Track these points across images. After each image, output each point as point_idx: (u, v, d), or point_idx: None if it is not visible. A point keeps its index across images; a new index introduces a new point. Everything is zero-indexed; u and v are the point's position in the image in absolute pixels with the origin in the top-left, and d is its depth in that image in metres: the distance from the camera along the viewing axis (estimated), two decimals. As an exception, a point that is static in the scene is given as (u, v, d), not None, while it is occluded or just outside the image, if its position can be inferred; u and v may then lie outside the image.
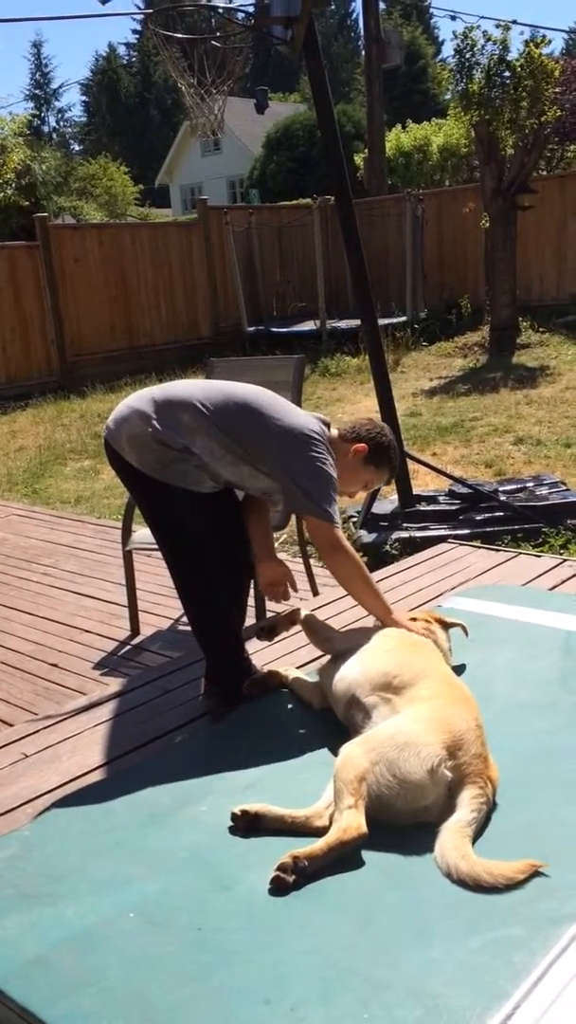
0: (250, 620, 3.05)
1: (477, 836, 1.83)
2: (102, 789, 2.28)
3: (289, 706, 2.55)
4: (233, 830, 1.93)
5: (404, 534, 4.55)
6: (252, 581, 2.93)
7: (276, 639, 2.85)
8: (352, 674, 2.32)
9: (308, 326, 12.48)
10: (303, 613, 2.69)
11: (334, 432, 2.65)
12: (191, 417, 2.49)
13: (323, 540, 2.51)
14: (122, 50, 56.98)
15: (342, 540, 2.50)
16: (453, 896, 1.69)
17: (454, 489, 4.95)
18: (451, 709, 2.04)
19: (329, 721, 2.36)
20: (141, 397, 2.59)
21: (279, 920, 1.68)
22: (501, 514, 4.64)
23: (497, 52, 9.66)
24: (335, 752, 1.95)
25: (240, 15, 5.63)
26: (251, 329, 12.55)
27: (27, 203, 16.80)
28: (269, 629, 2.70)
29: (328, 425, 2.65)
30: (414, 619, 2.60)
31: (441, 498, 4.94)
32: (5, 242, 12.67)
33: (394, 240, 12.81)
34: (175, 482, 2.51)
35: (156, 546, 3.57)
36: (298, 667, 2.76)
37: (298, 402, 3.59)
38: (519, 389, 8.64)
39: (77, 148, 48.65)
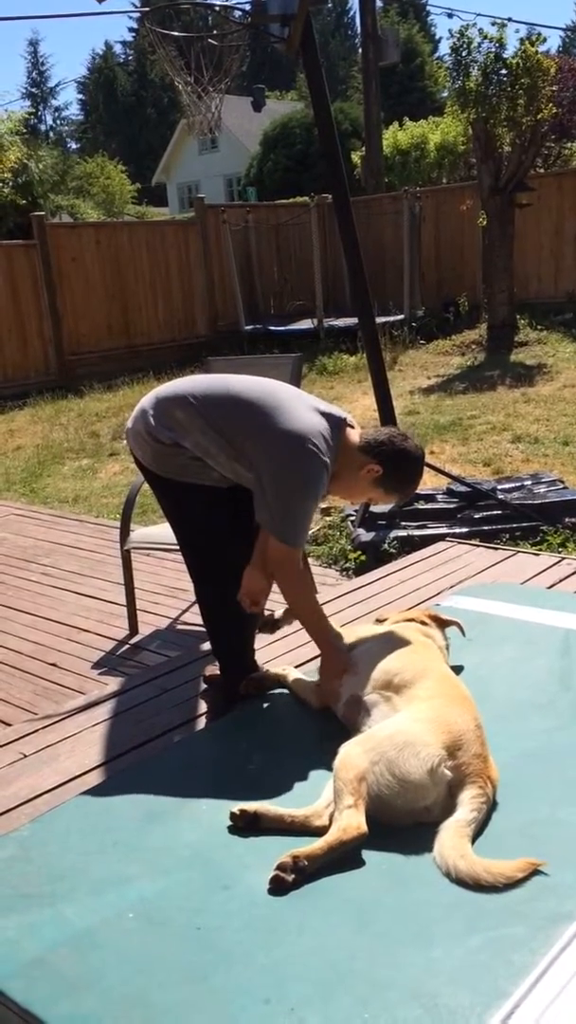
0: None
1: (477, 835, 1.83)
2: (101, 789, 2.28)
3: (288, 705, 2.55)
4: (232, 829, 1.93)
5: (402, 532, 4.55)
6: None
7: (277, 635, 2.85)
8: (357, 673, 2.32)
9: (306, 324, 12.47)
10: None
11: (354, 435, 2.45)
12: (184, 414, 2.46)
13: (277, 560, 2.39)
14: (119, 48, 56.99)
15: (295, 565, 2.40)
16: (452, 895, 1.69)
17: (452, 487, 4.95)
18: (450, 708, 2.04)
19: (328, 720, 2.36)
20: (150, 394, 2.60)
21: (279, 920, 1.68)
22: (499, 512, 4.64)
23: (493, 50, 9.66)
24: (334, 751, 1.95)
25: (237, 13, 5.62)
26: (249, 327, 12.54)
27: (24, 202, 16.76)
28: (272, 624, 2.69)
29: (345, 422, 2.46)
30: (411, 619, 2.59)
31: (439, 496, 4.94)
32: (2, 241, 12.65)
33: (391, 238, 12.80)
34: (177, 477, 2.51)
35: (154, 545, 3.62)
36: (297, 666, 2.76)
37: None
38: (517, 387, 8.64)
39: (74, 146, 48.69)
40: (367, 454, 2.41)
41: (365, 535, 4.60)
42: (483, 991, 1.46)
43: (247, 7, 5.09)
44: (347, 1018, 1.44)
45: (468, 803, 1.85)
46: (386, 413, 4.66)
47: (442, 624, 2.62)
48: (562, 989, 1.46)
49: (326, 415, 2.44)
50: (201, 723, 2.71)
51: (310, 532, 4.84)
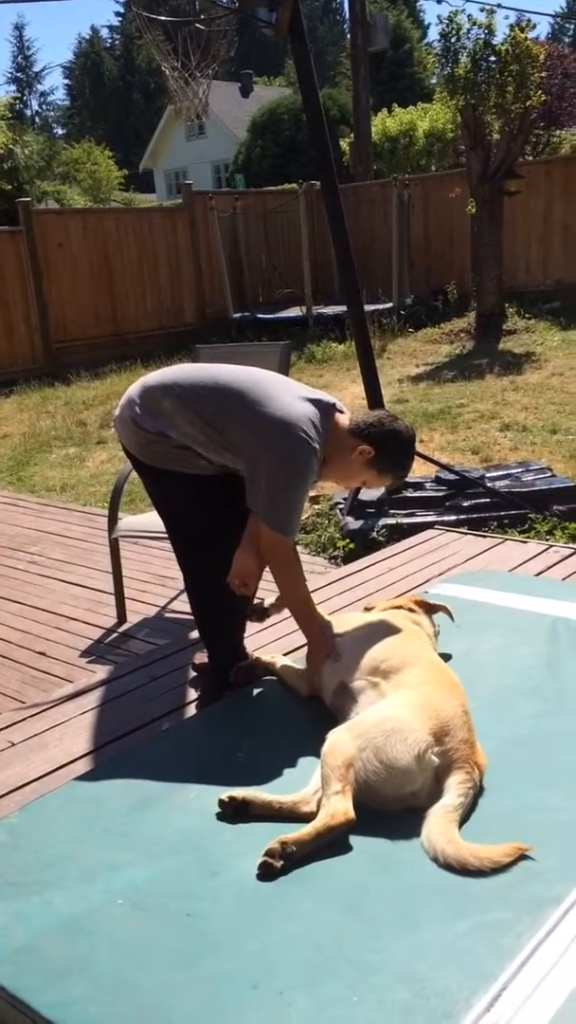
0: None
1: (464, 821, 1.84)
2: (90, 776, 2.28)
3: (276, 693, 2.56)
4: (221, 816, 1.94)
5: (391, 520, 4.55)
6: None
7: (266, 623, 2.85)
8: (340, 660, 2.33)
9: (294, 312, 12.44)
10: None
11: (344, 419, 2.46)
12: (170, 403, 2.46)
13: (268, 548, 2.41)
14: (105, 33, 56.62)
15: (287, 552, 2.42)
16: (440, 880, 1.70)
17: (441, 475, 4.95)
18: (438, 695, 2.05)
19: (316, 708, 2.37)
20: (137, 383, 2.59)
21: (267, 905, 1.68)
22: (488, 500, 4.65)
23: (482, 36, 9.62)
24: (322, 738, 1.95)
25: (224, -3, 5.57)
26: (237, 315, 12.49)
27: (9, 187, 16.64)
28: (261, 612, 2.69)
29: (334, 408, 2.47)
30: (399, 607, 2.60)
31: (428, 484, 4.94)
32: (-12, 227, 12.55)
33: (380, 226, 12.76)
34: (162, 464, 2.51)
35: (142, 534, 3.61)
36: (286, 654, 2.76)
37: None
38: (505, 375, 8.65)
39: (60, 132, 48.35)
40: (357, 436, 2.42)
41: (353, 523, 4.60)
42: (470, 974, 1.47)
43: (235, -9, 5.05)
44: (335, 1002, 1.45)
45: (455, 788, 1.87)
46: (375, 401, 4.66)
47: (430, 610, 2.63)
48: (548, 972, 1.47)
49: (315, 401, 2.44)
50: (190, 711, 2.71)
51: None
